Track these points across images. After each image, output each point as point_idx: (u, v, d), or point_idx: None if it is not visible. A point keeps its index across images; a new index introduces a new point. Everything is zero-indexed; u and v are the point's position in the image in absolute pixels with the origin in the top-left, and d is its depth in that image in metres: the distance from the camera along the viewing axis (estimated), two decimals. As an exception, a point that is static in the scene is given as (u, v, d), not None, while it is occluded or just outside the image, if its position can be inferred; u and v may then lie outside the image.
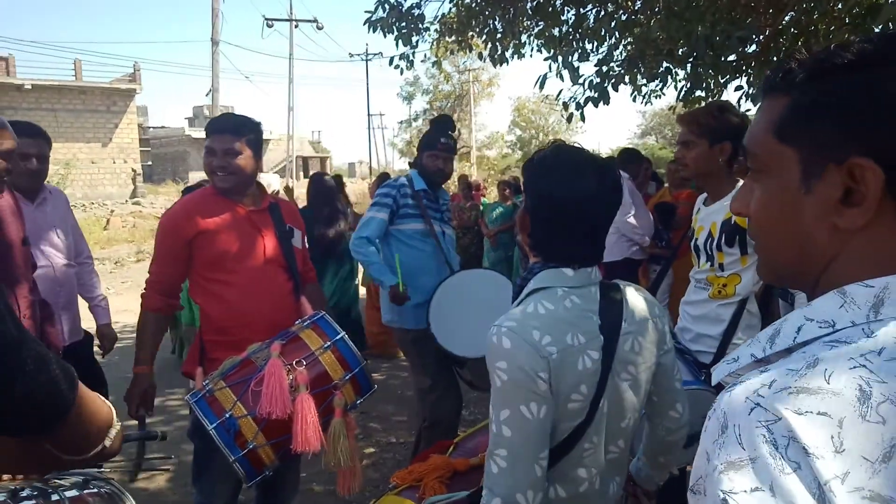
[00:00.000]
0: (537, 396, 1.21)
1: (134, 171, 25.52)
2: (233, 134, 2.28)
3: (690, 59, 4.93)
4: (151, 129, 32.99)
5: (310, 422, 1.97)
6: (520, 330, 1.23)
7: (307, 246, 2.63)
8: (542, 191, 1.31)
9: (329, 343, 2.10)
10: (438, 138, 3.19)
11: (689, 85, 5.13)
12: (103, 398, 1.14)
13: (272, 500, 2.52)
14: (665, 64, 5.23)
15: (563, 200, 1.29)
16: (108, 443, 1.13)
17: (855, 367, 0.54)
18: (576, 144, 1.39)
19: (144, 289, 2.36)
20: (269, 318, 2.26)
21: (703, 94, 5.55)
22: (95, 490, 1.62)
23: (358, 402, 2.20)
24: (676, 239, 3.93)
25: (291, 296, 2.40)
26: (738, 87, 5.17)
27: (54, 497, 1.57)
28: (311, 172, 31.27)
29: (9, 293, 2.05)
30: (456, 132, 3.42)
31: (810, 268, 0.65)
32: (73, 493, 1.57)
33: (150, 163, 30.00)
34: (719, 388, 1.84)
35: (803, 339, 0.60)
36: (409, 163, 3.51)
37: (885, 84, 0.60)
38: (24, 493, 1.57)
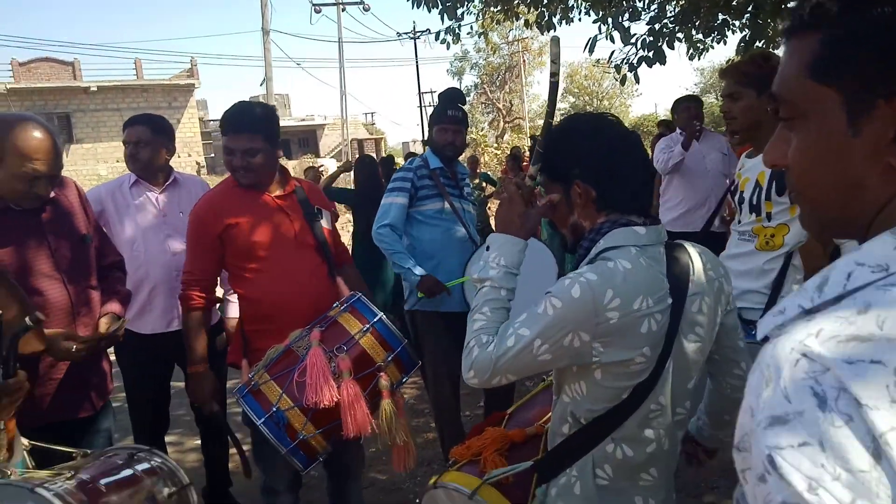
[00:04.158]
0: (563, 349, 1.25)
1: (198, 163, 26.35)
2: (249, 131, 2.25)
3: (749, 9, 4.68)
4: (212, 122, 33.93)
5: (357, 407, 1.97)
6: (597, 286, 1.23)
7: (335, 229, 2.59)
8: (602, 147, 1.34)
9: (368, 326, 2.08)
10: (445, 111, 3.13)
11: (748, 36, 4.86)
12: None
13: (340, 476, 2.56)
14: (721, 16, 4.99)
15: (622, 149, 1.35)
16: None
17: None
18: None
19: (182, 288, 2.36)
20: (306, 301, 2.25)
21: (763, 46, 5.27)
22: (151, 465, 1.73)
23: (404, 379, 2.18)
24: None
25: (327, 278, 2.38)
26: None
27: (144, 465, 1.71)
28: (366, 154, 31.56)
29: (62, 287, 2.07)
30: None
31: (862, 214, 0.60)
32: (145, 465, 1.71)
33: (212, 155, 30.92)
34: None
35: (854, 286, 0.55)
36: (423, 142, 3.48)
37: None
38: (137, 458, 1.72)
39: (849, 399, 0.47)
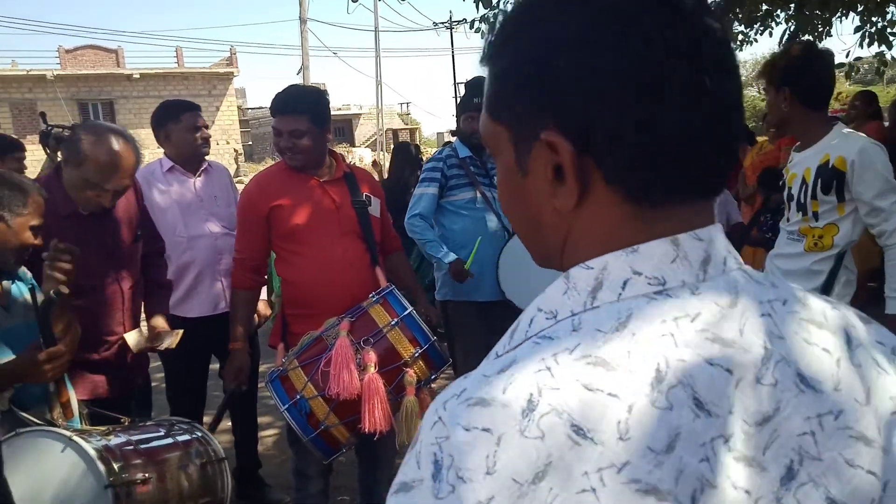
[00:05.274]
0: None
1: (236, 151, 26.73)
2: (295, 113, 2.28)
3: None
4: (250, 111, 34.41)
5: (377, 402, 1.96)
6: None
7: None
8: None
9: (397, 320, 2.07)
10: (471, 99, 3.13)
11: (793, 28, 4.72)
12: None
13: (370, 463, 2.56)
14: (765, 7, 4.86)
15: None
16: None
17: (539, 371, 0.46)
18: None
19: (233, 267, 2.44)
20: (345, 289, 2.25)
21: (809, 38, 5.12)
22: (190, 437, 1.84)
23: (432, 377, 2.16)
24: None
25: (368, 267, 2.38)
26: (858, 28, 4.69)
27: (184, 436, 1.81)
28: (404, 142, 31.61)
29: (115, 284, 2.24)
30: None
31: (554, 252, 0.57)
32: (185, 437, 1.81)
33: (250, 142, 31.36)
34: None
35: (532, 334, 0.52)
36: (451, 131, 3.47)
37: (555, 41, 0.51)
38: (177, 429, 1.87)
39: (454, 470, 0.45)
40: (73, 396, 1.89)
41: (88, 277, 2.11)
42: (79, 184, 2.06)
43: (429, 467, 0.46)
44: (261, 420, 3.39)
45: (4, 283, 1.83)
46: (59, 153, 3.49)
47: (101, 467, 1.48)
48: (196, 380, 2.98)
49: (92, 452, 1.49)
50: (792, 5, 4.66)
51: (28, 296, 1.82)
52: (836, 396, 0.50)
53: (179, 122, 2.91)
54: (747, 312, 0.51)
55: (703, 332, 0.49)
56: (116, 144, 2.05)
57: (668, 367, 0.46)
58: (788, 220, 2.27)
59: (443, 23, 29.04)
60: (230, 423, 3.34)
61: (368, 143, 30.73)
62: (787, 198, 2.29)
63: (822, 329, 0.53)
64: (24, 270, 1.91)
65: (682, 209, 0.52)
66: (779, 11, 5.05)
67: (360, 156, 30.06)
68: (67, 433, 1.56)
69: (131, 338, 2.21)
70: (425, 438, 0.47)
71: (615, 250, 0.52)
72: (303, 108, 2.29)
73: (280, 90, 2.39)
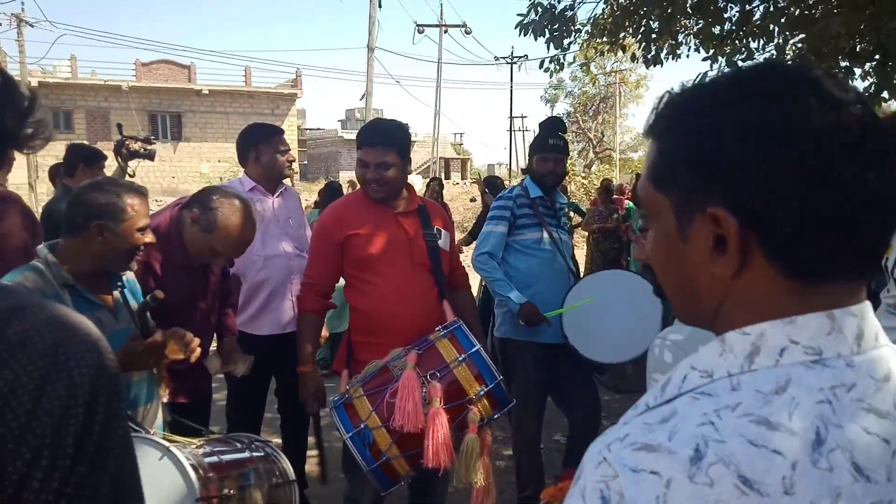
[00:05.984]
0: None
1: (292, 169, 27.42)
2: (384, 146, 2.32)
3: (877, 57, 4.45)
4: (308, 131, 35.33)
5: (441, 438, 1.96)
6: (685, 346, 1.21)
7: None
8: None
9: (464, 356, 2.08)
10: (547, 139, 3.13)
11: (873, 86, 4.62)
12: None
13: (422, 496, 2.54)
14: (844, 62, 4.78)
15: None
16: None
17: (702, 425, 0.51)
18: None
19: (300, 291, 2.50)
20: (412, 321, 2.28)
21: (886, 97, 4.98)
22: (265, 454, 1.89)
23: (495, 416, 2.15)
24: None
25: (436, 300, 2.41)
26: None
27: (260, 453, 1.93)
28: (451, 174, 31.73)
29: (205, 318, 2.43)
30: (567, 133, 3.29)
31: (705, 312, 0.62)
32: (260, 454, 1.87)
33: (305, 162, 32.12)
34: None
35: (686, 389, 0.57)
36: (523, 169, 3.46)
37: (727, 130, 0.56)
38: (254, 446, 1.98)
39: None
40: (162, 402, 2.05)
41: (189, 313, 2.29)
42: (202, 247, 2.23)
43: (595, 502, 0.51)
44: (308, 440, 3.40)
45: (115, 293, 1.92)
46: (129, 163, 3.69)
47: (195, 480, 1.53)
48: (258, 399, 3.03)
49: (187, 464, 1.54)
50: (872, 63, 4.57)
51: (133, 302, 1.94)
52: None
53: (270, 144, 3.00)
54: None
55: (859, 402, 0.52)
56: (247, 221, 2.22)
57: (827, 431, 0.50)
58: (889, 291, 2.18)
59: (503, 57, 29.42)
60: (279, 441, 3.36)
61: (420, 170, 31.11)
62: (885, 269, 2.19)
63: None
64: (127, 276, 2.01)
65: (835, 287, 0.56)
66: (856, 68, 4.95)
67: (412, 182, 30.44)
68: (165, 443, 1.61)
69: (211, 362, 2.38)
70: (590, 476, 0.53)
71: (770, 319, 0.56)
72: (391, 142, 2.34)
73: (366, 123, 2.45)
